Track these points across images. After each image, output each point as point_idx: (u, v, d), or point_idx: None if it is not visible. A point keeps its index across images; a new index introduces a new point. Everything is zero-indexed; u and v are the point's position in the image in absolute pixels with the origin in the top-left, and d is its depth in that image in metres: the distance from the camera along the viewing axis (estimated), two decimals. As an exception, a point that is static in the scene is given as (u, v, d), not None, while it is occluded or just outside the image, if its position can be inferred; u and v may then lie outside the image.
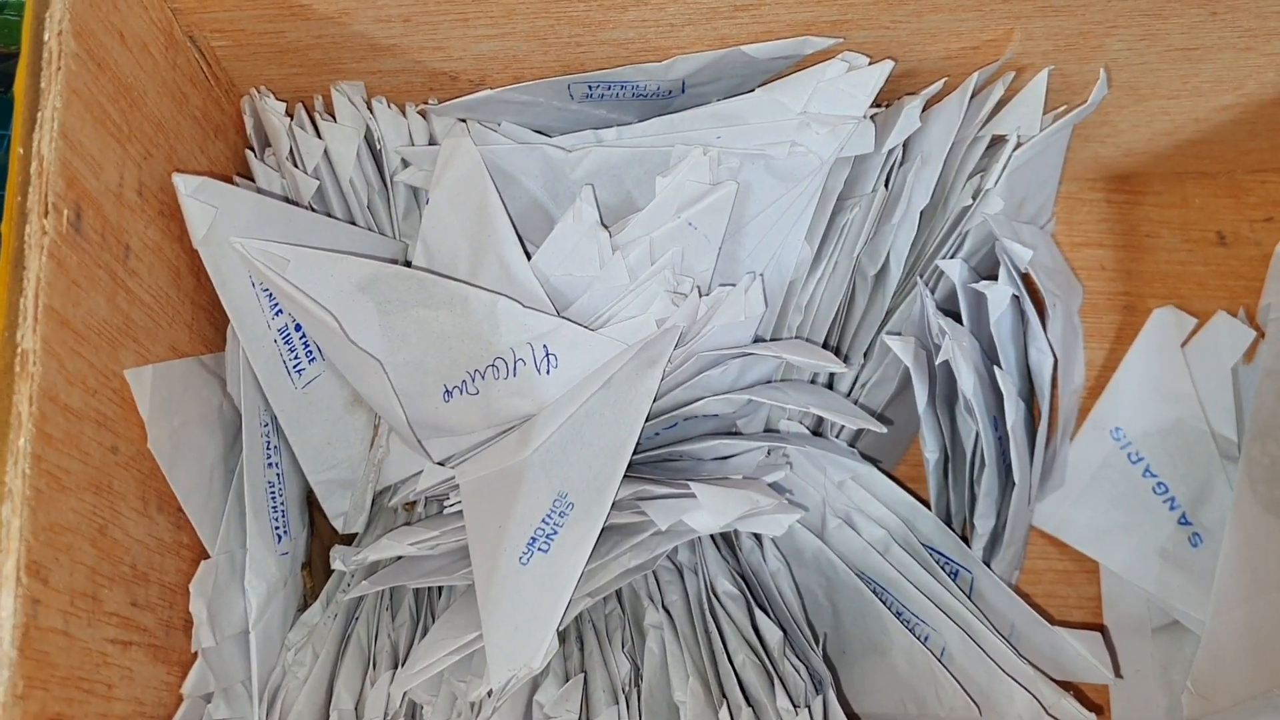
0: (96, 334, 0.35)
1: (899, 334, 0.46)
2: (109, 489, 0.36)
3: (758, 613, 0.44)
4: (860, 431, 0.50)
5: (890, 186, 0.45)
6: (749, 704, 0.41)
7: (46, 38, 0.34)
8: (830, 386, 0.49)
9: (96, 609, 0.35)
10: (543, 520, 0.41)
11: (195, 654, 0.40)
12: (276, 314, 0.43)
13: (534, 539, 0.41)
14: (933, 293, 0.46)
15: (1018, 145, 0.45)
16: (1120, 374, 0.53)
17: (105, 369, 0.36)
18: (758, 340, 0.45)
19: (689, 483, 0.41)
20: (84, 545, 0.34)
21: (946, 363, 0.44)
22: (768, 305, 0.44)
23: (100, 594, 0.35)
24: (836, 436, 0.49)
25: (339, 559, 0.46)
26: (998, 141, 0.46)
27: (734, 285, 0.44)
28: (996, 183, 0.45)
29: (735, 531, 0.49)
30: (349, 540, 0.49)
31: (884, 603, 0.46)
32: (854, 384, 0.49)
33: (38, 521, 0.31)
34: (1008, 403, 0.44)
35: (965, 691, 0.44)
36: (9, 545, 0.31)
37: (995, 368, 0.44)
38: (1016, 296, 0.45)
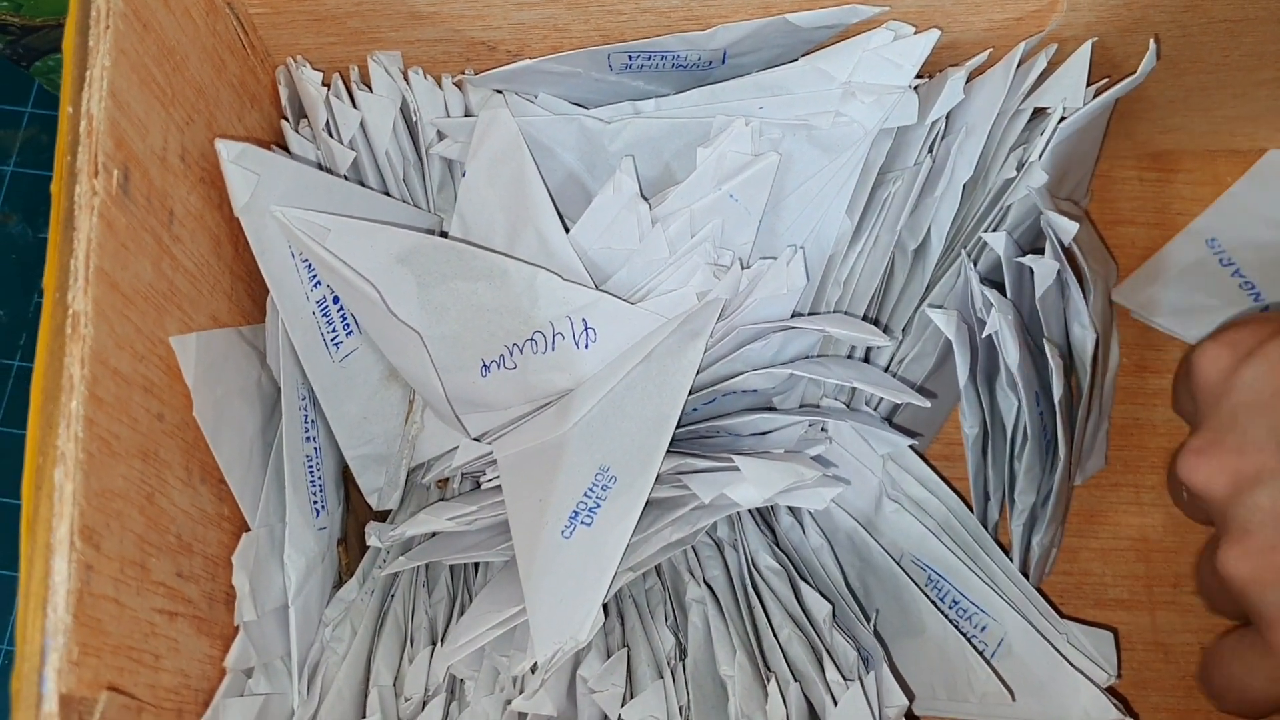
0: (144, 299, 0.35)
1: (941, 307, 0.46)
2: (156, 457, 0.35)
3: (803, 586, 0.44)
4: (896, 407, 0.49)
5: (933, 159, 0.44)
6: (795, 679, 0.41)
7: (95, -4, 0.33)
8: (867, 361, 0.49)
9: (145, 578, 0.34)
10: (585, 494, 0.41)
11: (236, 628, 0.40)
12: (315, 285, 0.43)
13: (576, 512, 0.41)
14: (975, 266, 0.46)
15: (1062, 118, 0.44)
16: (1224, 199, 0.55)
17: (152, 335, 0.35)
18: (796, 314, 0.45)
19: (732, 456, 0.41)
20: (133, 512, 0.33)
21: (986, 336, 0.44)
22: (808, 279, 0.44)
23: (148, 563, 0.34)
24: (875, 409, 0.48)
25: (374, 535, 0.46)
26: (1039, 114, 0.46)
27: (775, 258, 0.43)
28: (1041, 155, 0.44)
29: (773, 509, 0.49)
30: (383, 516, 0.49)
31: (938, 589, 0.45)
32: (891, 359, 0.49)
33: (90, 486, 0.31)
34: (1055, 376, 0.44)
35: (999, 677, 0.44)
36: (62, 509, 0.30)
37: (1045, 340, 0.44)
38: (1060, 271, 0.45)
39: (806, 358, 0.47)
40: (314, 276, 0.42)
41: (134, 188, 0.34)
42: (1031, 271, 0.44)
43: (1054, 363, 0.43)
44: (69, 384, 0.31)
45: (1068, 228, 0.44)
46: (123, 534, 0.33)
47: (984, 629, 0.45)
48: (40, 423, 0.31)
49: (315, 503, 0.43)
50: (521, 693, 0.41)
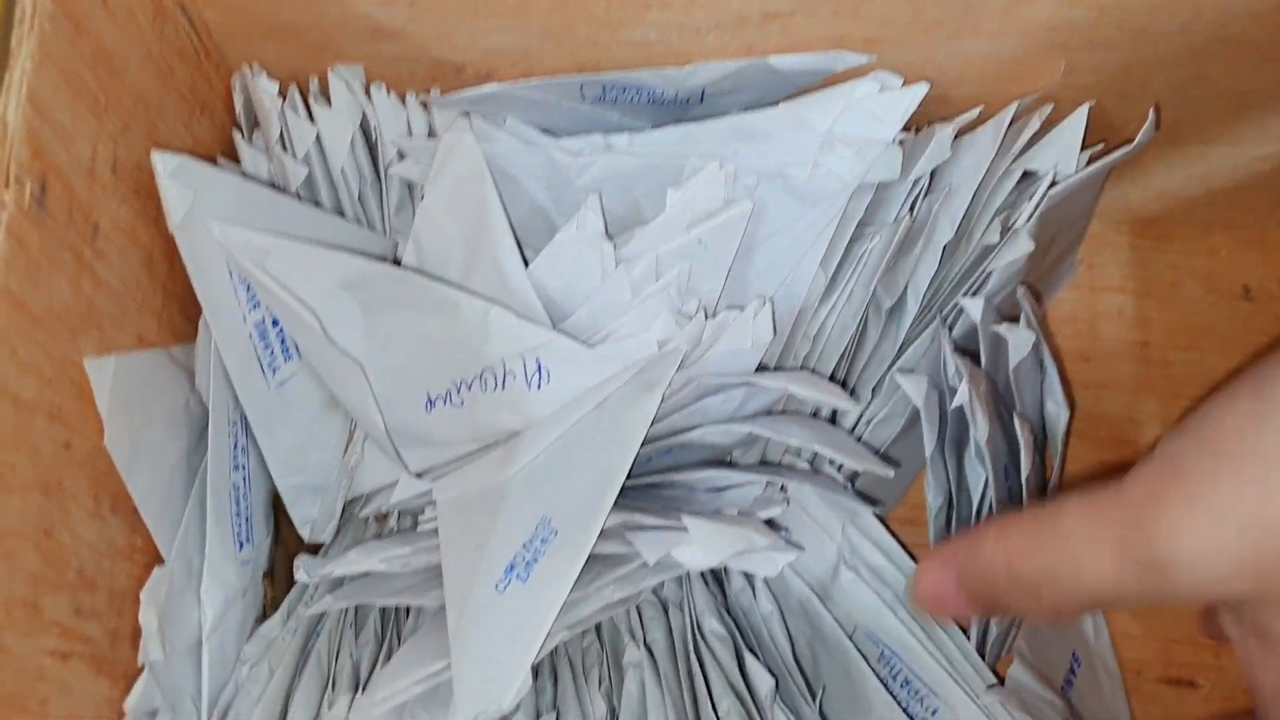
0: (56, 319, 0.32)
1: (912, 371, 0.44)
2: (59, 488, 0.33)
3: (747, 656, 0.42)
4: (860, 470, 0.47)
5: (914, 216, 0.42)
6: (730, 757, 0.39)
7: (21, -6, 0.31)
8: (833, 421, 0.47)
9: (35, 618, 0.32)
10: (523, 546, 0.39)
11: (142, 667, 0.38)
12: (254, 307, 0.41)
13: (513, 565, 0.38)
14: (950, 331, 0.44)
15: (1053, 183, 0.42)
16: None
17: (63, 358, 0.33)
18: (762, 368, 0.43)
19: (681, 515, 0.39)
20: (26, 549, 0.31)
21: (959, 406, 0.42)
22: (776, 333, 0.42)
23: (41, 602, 0.32)
24: (838, 470, 0.46)
25: (303, 570, 0.43)
26: (1028, 177, 0.44)
27: (742, 309, 0.41)
28: (1029, 220, 0.42)
29: (725, 569, 0.47)
30: (315, 549, 0.47)
31: (890, 667, 0.43)
32: (859, 420, 0.47)
33: (-26, 524, 0.29)
34: (1024, 453, 0.42)
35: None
36: (-60, 549, 0.28)
37: (1015, 416, 0.42)
38: (1036, 345, 0.43)
39: (769, 413, 0.45)
40: (253, 298, 0.40)
41: (52, 201, 0.32)
42: (1007, 341, 0.42)
43: (1024, 439, 0.41)
44: (-42, 413, 0.29)
45: (1024, 338, 0.42)
46: (11, 573, 0.31)
47: (935, 713, 0.43)
48: (-76, 453, 0.28)
49: (239, 534, 0.41)
50: (441, 753, 0.39)
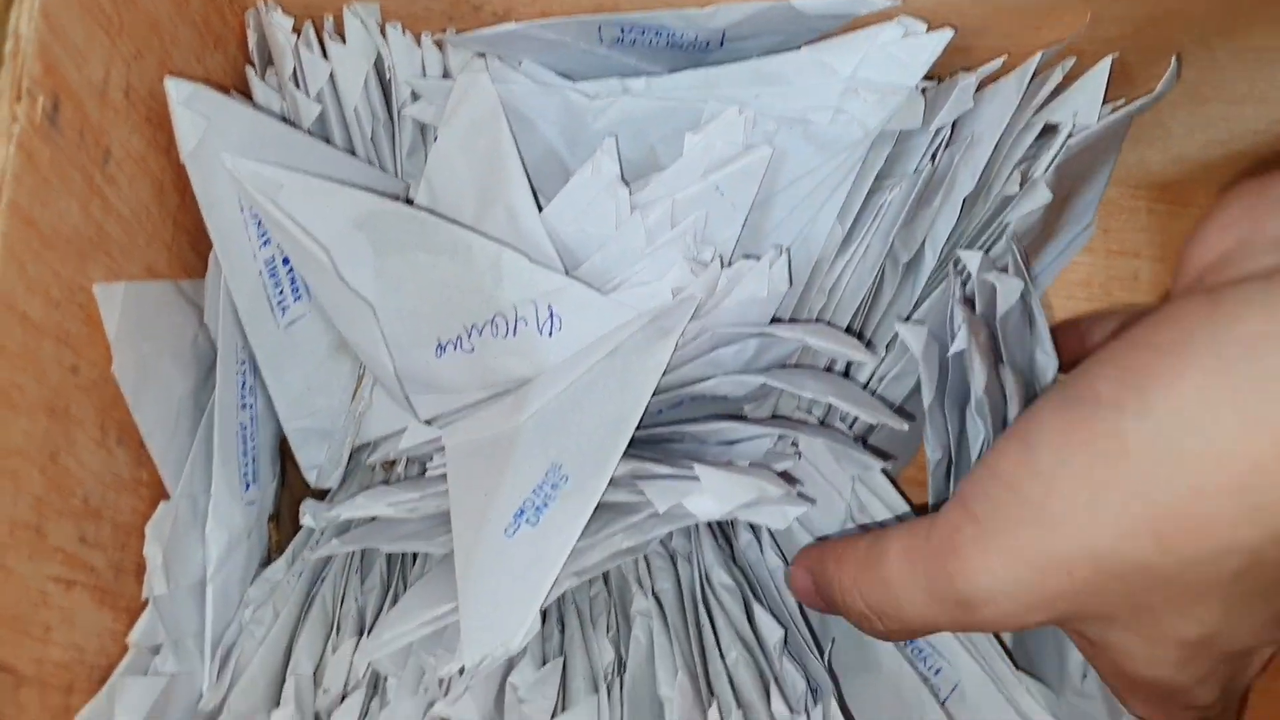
0: (65, 241, 0.32)
1: (920, 322, 0.43)
2: (65, 413, 0.32)
3: (756, 607, 0.41)
4: (873, 426, 0.47)
5: (935, 167, 0.42)
6: (739, 705, 0.38)
7: (37, -93, 0.30)
8: (846, 375, 0.46)
9: (39, 542, 0.31)
10: (533, 491, 0.38)
11: (146, 601, 0.37)
12: (264, 244, 0.40)
13: (522, 510, 0.38)
14: (964, 285, 0.43)
15: (1070, 135, 0.42)
16: None
17: (72, 281, 0.32)
18: (776, 320, 0.42)
19: (693, 464, 0.38)
20: (31, 471, 0.31)
21: (962, 360, 0.41)
22: (791, 283, 0.41)
23: (45, 526, 0.32)
24: (850, 427, 0.46)
25: (309, 514, 0.43)
26: (1048, 129, 0.43)
27: (758, 258, 0.41)
28: (1046, 171, 0.42)
29: (732, 524, 0.46)
30: (321, 495, 0.46)
31: None
32: (872, 376, 0.46)
33: (-19, 440, 0.28)
34: (1010, 403, 0.41)
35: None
36: (-54, 463, 0.27)
37: (1000, 365, 0.41)
38: (1024, 293, 0.42)
39: (783, 366, 0.44)
40: (263, 234, 0.40)
41: (64, 120, 0.31)
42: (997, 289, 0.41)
43: (1009, 388, 0.41)
44: (-34, 327, 0.28)
45: (1012, 286, 0.41)
46: (16, 494, 0.30)
47: (938, 672, 0.42)
48: (-69, 366, 0.28)
49: (245, 475, 0.41)
50: (447, 695, 0.38)
